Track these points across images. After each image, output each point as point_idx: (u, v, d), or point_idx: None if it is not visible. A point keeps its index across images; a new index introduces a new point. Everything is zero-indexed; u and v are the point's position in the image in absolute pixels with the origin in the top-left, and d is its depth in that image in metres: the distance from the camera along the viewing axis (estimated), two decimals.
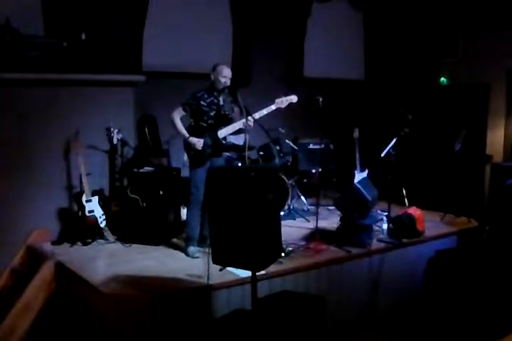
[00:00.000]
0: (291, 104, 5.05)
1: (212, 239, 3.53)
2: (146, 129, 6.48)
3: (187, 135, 4.88)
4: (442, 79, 8.04)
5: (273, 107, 4.95)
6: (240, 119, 4.89)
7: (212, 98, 4.90)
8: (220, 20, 7.19)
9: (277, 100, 4.98)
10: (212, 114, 4.90)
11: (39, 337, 4.54)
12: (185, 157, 4.99)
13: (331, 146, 6.84)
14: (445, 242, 5.75)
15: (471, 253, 5.67)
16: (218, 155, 5.01)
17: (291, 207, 6.32)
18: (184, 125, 4.94)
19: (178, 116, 4.88)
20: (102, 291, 4.08)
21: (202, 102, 4.86)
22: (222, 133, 4.94)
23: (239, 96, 4.65)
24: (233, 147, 5.92)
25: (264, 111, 4.91)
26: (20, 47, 5.17)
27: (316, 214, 5.39)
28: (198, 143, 4.84)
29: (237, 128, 4.95)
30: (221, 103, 4.94)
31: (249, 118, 4.69)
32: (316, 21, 7.96)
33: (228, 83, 4.84)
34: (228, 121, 4.98)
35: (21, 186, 5.27)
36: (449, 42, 7.95)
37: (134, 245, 5.23)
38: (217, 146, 4.95)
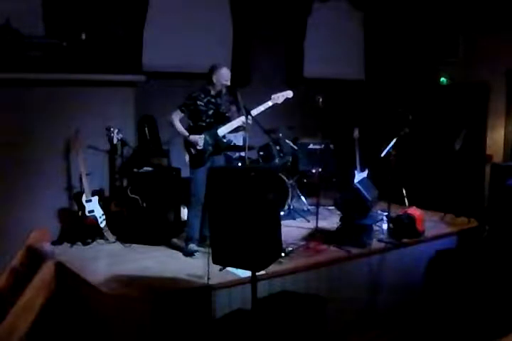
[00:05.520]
0: (290, 102, 5.04)
1: (212, 239, 3.54)
2: (146, 129, 6.47)
3: (187, 134, 4.88)
4: (442, 79, 8.04)
5: (270, 103, 4.95)
6: (238, 117, 4.91)
7: (209, 97, 4.90)
8: (220, 20, 7.19)
9: (273, 96, 4.98)
10: (210, 113, 4.91)
11: (39, 337, 4.53)
12: (187, 157, 4.99)
13: (331, 146, 6.84)
14: (445, 242, 5.75)
15: (471, 253, 5.66)
16: (219, 154, 5.02)
17: (291, 207, 6.32)
18: (183, 127, 4.95)
19: (176, 117, 4.90)
20: (102, 291, 4.09)
21: (199, 102, 4.87)
22: (221, 131, 4.95)
23: (239, 96, 4.67)
24: (233, 147, 5.92)
25: (262, 108, 4.91)
26: (20, 48, 5.18)
27: (316, 214, 5.39)
28: (200, 139, 4.84)
29: (236, 126, 4.96)
30: (218, 102, 4.94)
31: (249, 117, 4.69)
32: (316, 21, 7.96)
33: (228, 83, 4.86)
34: (227, 119, 5.01)
35: (21, 186, 5.28)
36: (449, 43, 7.94)
37: (134, 245, 5.23)
38: (218, 144, 4.96)
